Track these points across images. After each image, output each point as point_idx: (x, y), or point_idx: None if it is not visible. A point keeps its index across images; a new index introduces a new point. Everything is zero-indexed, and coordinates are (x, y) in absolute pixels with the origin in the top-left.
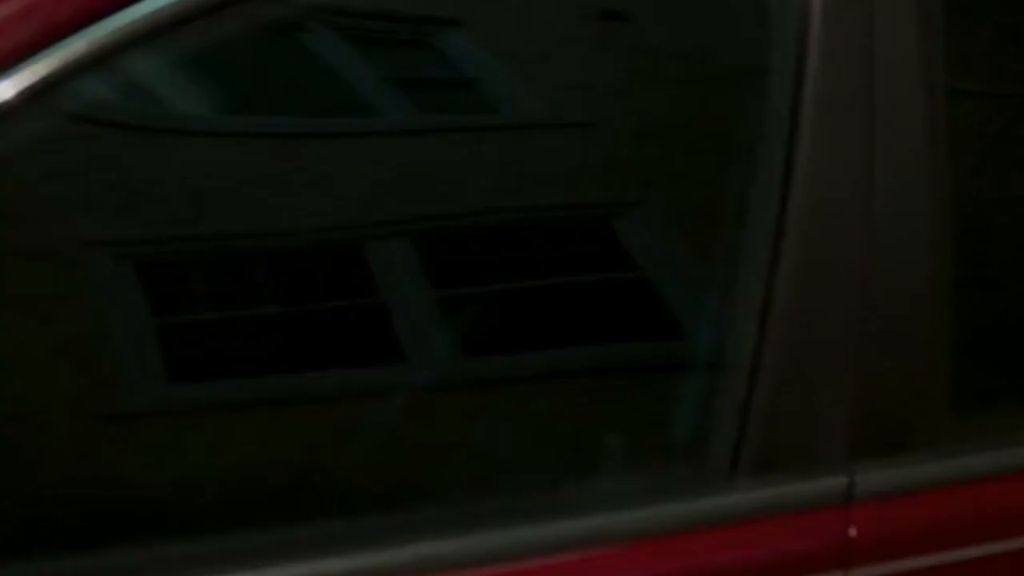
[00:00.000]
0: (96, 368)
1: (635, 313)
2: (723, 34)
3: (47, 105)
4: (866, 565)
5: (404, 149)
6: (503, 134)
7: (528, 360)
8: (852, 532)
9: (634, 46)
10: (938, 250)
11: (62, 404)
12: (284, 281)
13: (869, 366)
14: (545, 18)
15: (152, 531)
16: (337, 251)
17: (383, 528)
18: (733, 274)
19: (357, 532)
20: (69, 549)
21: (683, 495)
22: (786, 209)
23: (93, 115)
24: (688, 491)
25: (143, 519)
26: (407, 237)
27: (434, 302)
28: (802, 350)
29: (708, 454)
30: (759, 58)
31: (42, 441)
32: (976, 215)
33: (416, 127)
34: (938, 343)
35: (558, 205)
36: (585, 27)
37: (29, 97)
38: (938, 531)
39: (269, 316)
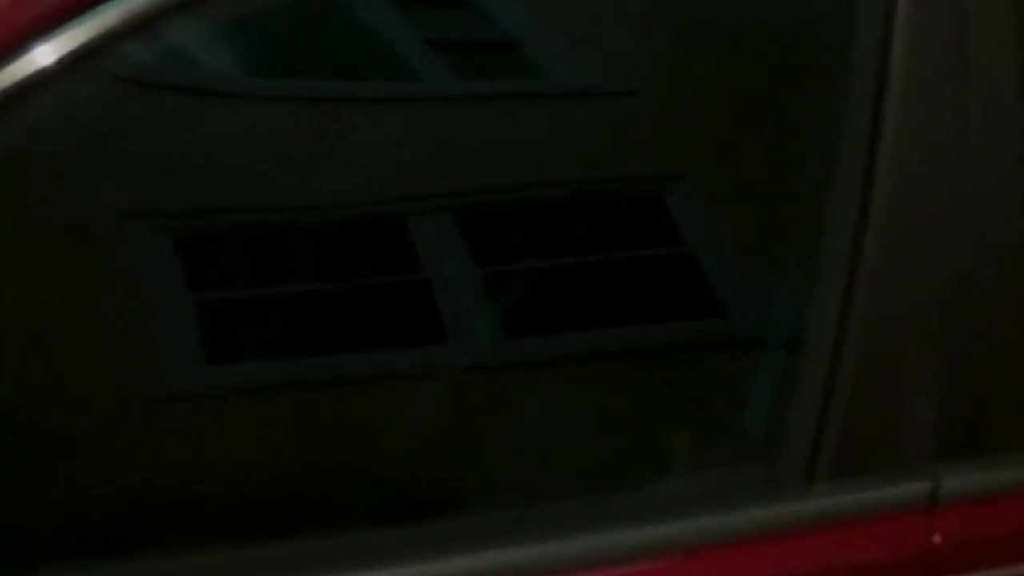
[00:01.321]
0: (139, 348)
1: (702, 293)
2: None
3: (87, 70)
4: (951, 574)
5: (451, 116)
6: (582, 102)
7: (580, 345)
8: (936, 539)
9: (711, 9)
10: None
11: (104, 386)
12: (335, 255)
13: (957, 356)
14: None
15: (191, 527)
16: (382, 225)
17: (429, 536)
18: (814, 251)
19: (396, 542)
20: (110, 547)
21: (755, 499)
22: (872, 180)
23: (135, 79)
24: (761, 495)
25: (182, 515)
26: (460, 210)
27: (486, 280)
28: (887, 338)
29: (783, 454)
30: (844, 19)
31: (80, 427)
32: None
33: (466, 94)
34: None
35: (623, 176)
36: None
37: (69, 63)
38: None
39: (320, 293)
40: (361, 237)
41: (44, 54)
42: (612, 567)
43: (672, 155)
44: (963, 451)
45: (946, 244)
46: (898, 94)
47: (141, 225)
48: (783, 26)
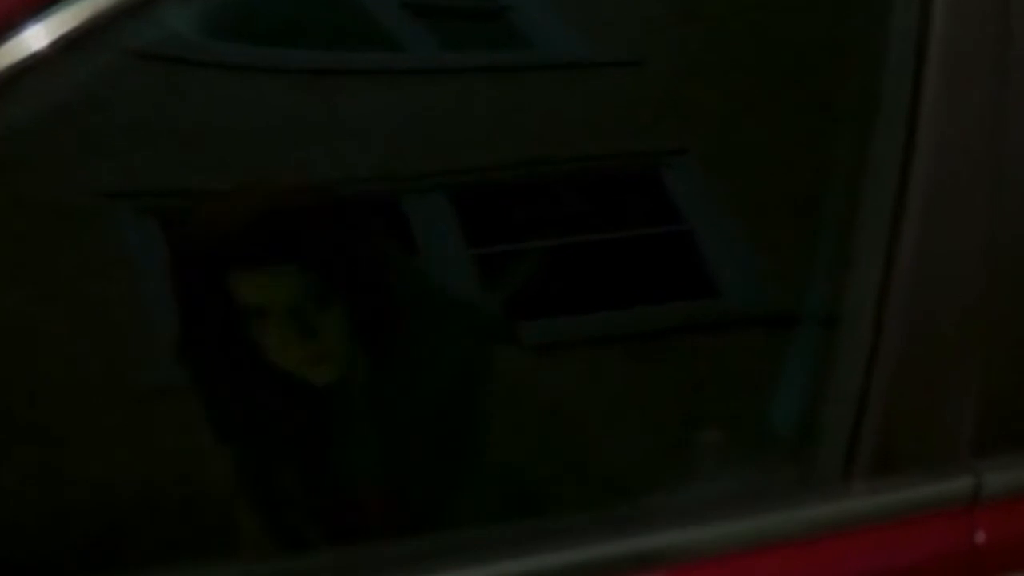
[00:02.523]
0: (133, 335)
1: (728, 276)
2: None
3: (83, 52)
4: (994, 574)
5: (442, 90)
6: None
7: (589, 331)
8: (979, 538)
9: None
10: None
11: (92, 378)
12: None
13: (1000, 345)
14: None
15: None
16: (370, 203)
17: (446, 545)
18: (850, 232)
19: (421, 549)
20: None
21: (789, 500)
22: (911, 156)
23: (133, 55)
24: (794, 495)
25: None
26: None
27: (483, 261)
28: (927, 325)
29: (818, 450)
30: None
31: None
32: None
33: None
34: None
35: (639, 151)
36: None
37: (64, 45)
38: None
39: None
40: (352, 214)
41: (37, 35)
42: (642, 574)
43: (695, 128)
44: (1006, 445)
45: (989, 223)
46: (938, 62)
47: (135, 205)
48: None
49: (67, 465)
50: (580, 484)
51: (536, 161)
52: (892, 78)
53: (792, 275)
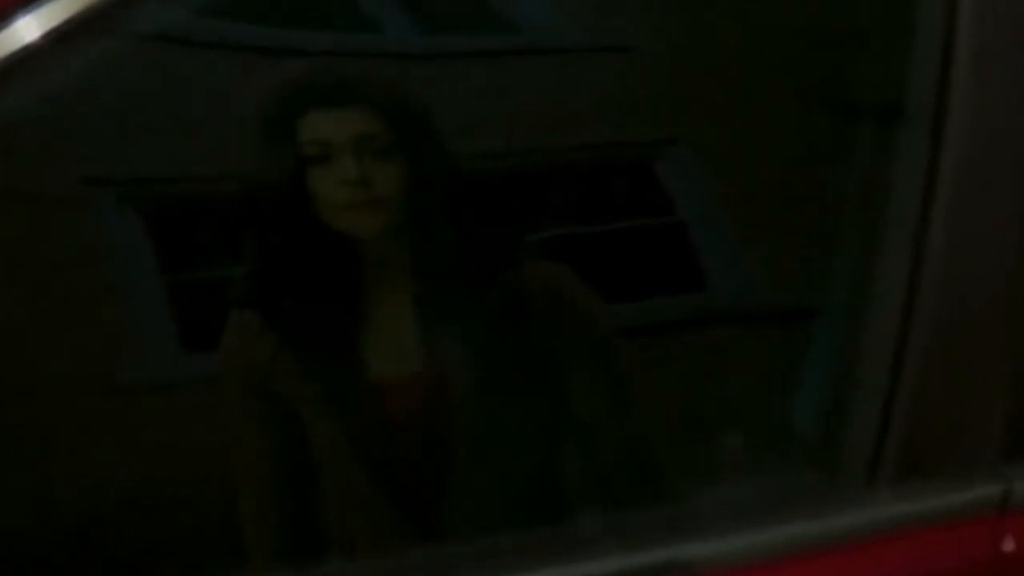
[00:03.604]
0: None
1: (747, 272)
2: None
3: (76, 44)
4: None
5: (424, 73)
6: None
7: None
8: (1008, 546)
9: None
10: None
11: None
12: None
13: None
14: None
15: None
16: None
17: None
18: (875, 230)
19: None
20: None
21: (811, 507)
22: (938, 155)
23: (130, 43)
24: (818, 502)
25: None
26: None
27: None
28: (953, 330)
29: (843, 456)
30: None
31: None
32: None
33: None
34: None
35: (639, 141)
36: None
37: (56, 37)
38: None
39: None
40: None
41: (29, 27)
42: None
43: (712, 121)
44: None
45: (1019, 217)
46: (966, 49)
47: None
48: None
49: (61, 465)
50: (591, 491)
51: (531, 149)
52: (919, 65)
53: (814, 271)
